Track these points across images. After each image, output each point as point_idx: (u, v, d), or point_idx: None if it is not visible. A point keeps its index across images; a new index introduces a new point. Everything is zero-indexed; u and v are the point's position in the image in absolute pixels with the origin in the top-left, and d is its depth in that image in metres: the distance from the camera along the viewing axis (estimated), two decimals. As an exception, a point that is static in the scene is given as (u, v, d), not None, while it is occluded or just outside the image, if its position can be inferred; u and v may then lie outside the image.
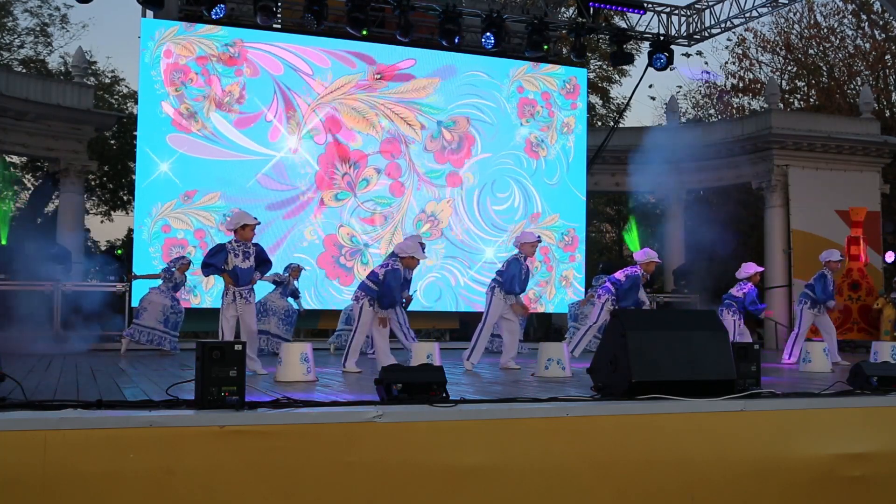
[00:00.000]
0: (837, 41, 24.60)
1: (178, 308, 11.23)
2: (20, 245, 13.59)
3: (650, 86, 31.66)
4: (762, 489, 4.74)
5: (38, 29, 23.46)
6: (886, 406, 5.20)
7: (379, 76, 14.50)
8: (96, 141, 18.14)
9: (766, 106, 18.32)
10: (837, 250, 11.06)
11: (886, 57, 23.59)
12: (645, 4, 15.52)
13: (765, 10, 15.65)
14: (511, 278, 8.59)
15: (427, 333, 14.38)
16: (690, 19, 16.28)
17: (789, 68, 25.57)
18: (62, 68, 22.97)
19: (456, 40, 13.84)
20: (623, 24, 15.81)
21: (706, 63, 37.66)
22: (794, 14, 24.65)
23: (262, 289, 10.12)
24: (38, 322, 12.08)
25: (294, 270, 11.56)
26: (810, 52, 25.03)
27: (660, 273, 17.92)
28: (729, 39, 25.26)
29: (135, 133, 15.40)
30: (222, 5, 12.61)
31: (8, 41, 23.20)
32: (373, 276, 8.24)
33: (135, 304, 11.65)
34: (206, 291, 13.26)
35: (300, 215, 14.02)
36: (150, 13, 13.43)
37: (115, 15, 34.42)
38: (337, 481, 4.03)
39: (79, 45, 16.83)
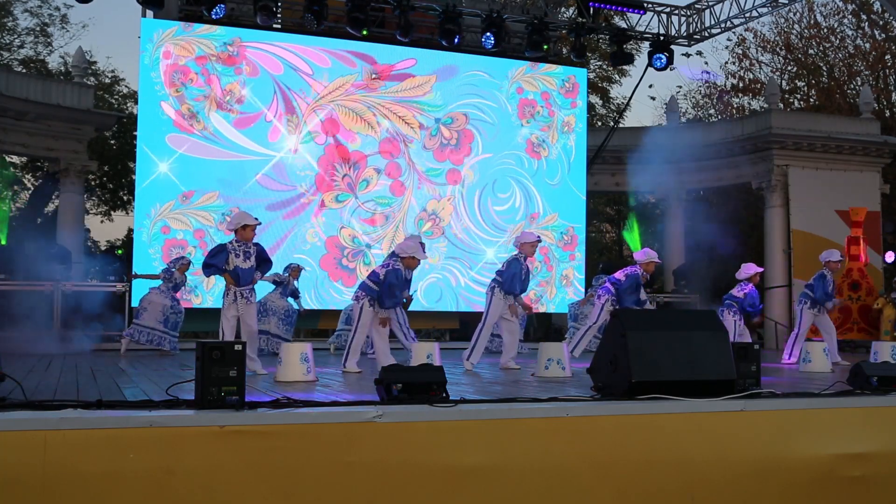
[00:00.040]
0: (837, 41, 24.60)
1: (178, 308, 11.24)
2: (20, 245, 13.61)
3: (650, 86, 31.74)
4: (762, 489, 4.74)
5: (38, 29, 23.48)
6: (886, 406, 5.20)
7: (375, 76, 14.50)
8: (96, 141, 18.14)
9: (766, 106, 18.32)
10: (837, 250, 11.04)
11: (886, 57, 23.59)
12: (645, 4, 15.52)
13: (765, 10, 15.65)
14: (511, 278, 8.58)
15: (427, 333, 14.38)
16: (690, 19, 16.27)
17: (789, 68, 25.58)
18: (62, 68, 22.98)
19: (456, 40, 13.84)
20: (623, 24, 15.80)
21: (706, 63, 37.78)
22: (794, 14, 24.69)
23: (262, 289, 10.12)
24: (38, 322, 12.07)
25: (294, 270, 11.56)
26: (810, 52, 25.04)
27: (660, 273, 17.91)
28: (729, 39, 25.32)
29: (135, 133, 15.40)
30: (222, 5, 12.62)
31: (8, 41, 23.21)
32: (373, 275, 8.24)
33: (135, 304, 11.66)
34: (207, 291, 13.26)
35: (300, 216, 14.01)
36: (149, 13, 13.44)
37: (115, 15, 34.49)
38: (337, 481, 4.03)
39: (79, 45, 16.86)
